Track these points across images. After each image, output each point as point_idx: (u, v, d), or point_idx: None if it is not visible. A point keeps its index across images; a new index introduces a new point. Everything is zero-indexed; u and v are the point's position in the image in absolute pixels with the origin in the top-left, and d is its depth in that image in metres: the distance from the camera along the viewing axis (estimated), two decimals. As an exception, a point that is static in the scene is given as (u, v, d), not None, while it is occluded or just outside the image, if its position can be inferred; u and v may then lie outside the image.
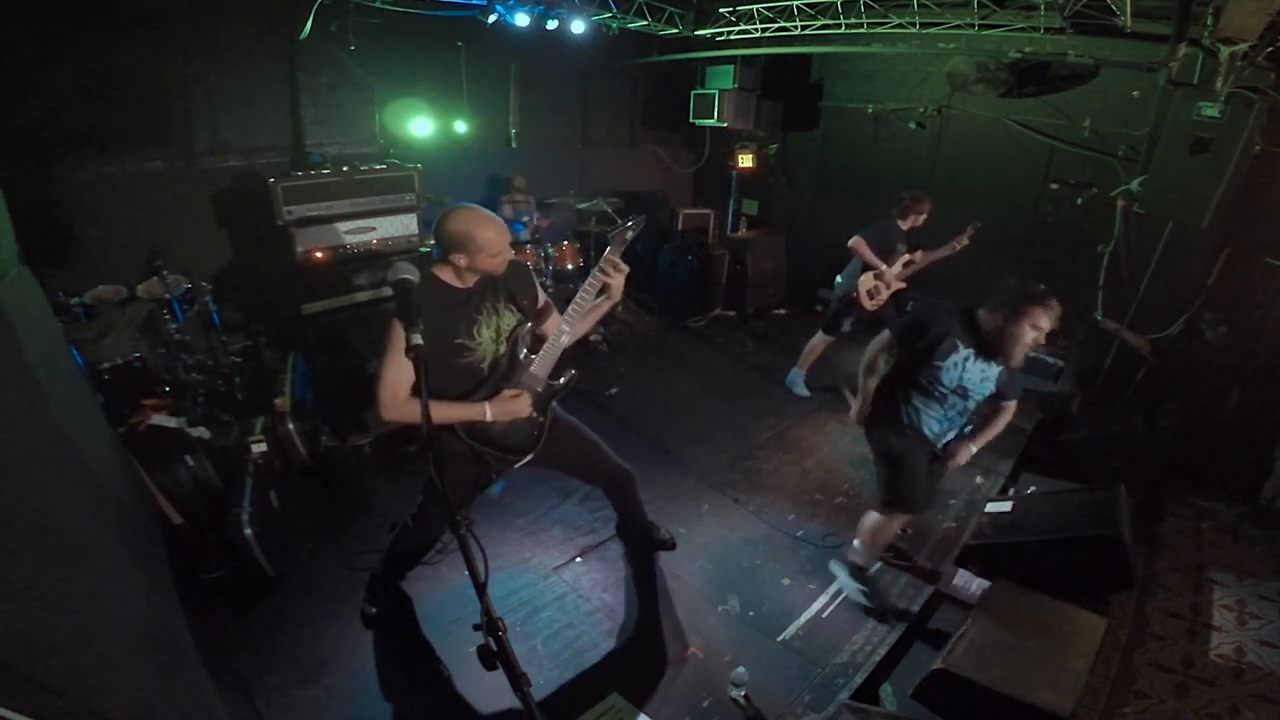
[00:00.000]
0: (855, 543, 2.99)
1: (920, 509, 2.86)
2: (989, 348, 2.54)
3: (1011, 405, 2.75)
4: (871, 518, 2.88)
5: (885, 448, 2.76)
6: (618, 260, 2.24)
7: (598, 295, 2.31)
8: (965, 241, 4.48)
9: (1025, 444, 4.12)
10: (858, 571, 2.98)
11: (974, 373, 2.58)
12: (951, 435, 2.76)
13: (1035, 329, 2.45)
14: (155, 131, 4.16)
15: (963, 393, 2.60)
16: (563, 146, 6.52)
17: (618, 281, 2.28)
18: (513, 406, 2.22)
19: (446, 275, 2.14)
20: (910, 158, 6.05)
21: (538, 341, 2.36)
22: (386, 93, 5.03)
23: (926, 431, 2.69)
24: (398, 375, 2.01)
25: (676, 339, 6.10)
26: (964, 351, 2.55)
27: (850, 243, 4.44)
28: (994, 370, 2.59)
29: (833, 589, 3.04)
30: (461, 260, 2.08)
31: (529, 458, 2.40)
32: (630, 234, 2.25)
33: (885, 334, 2.74)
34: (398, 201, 4.55)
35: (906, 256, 4.51)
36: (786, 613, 2.89)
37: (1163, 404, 4.49)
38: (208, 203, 4.47)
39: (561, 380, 2.38)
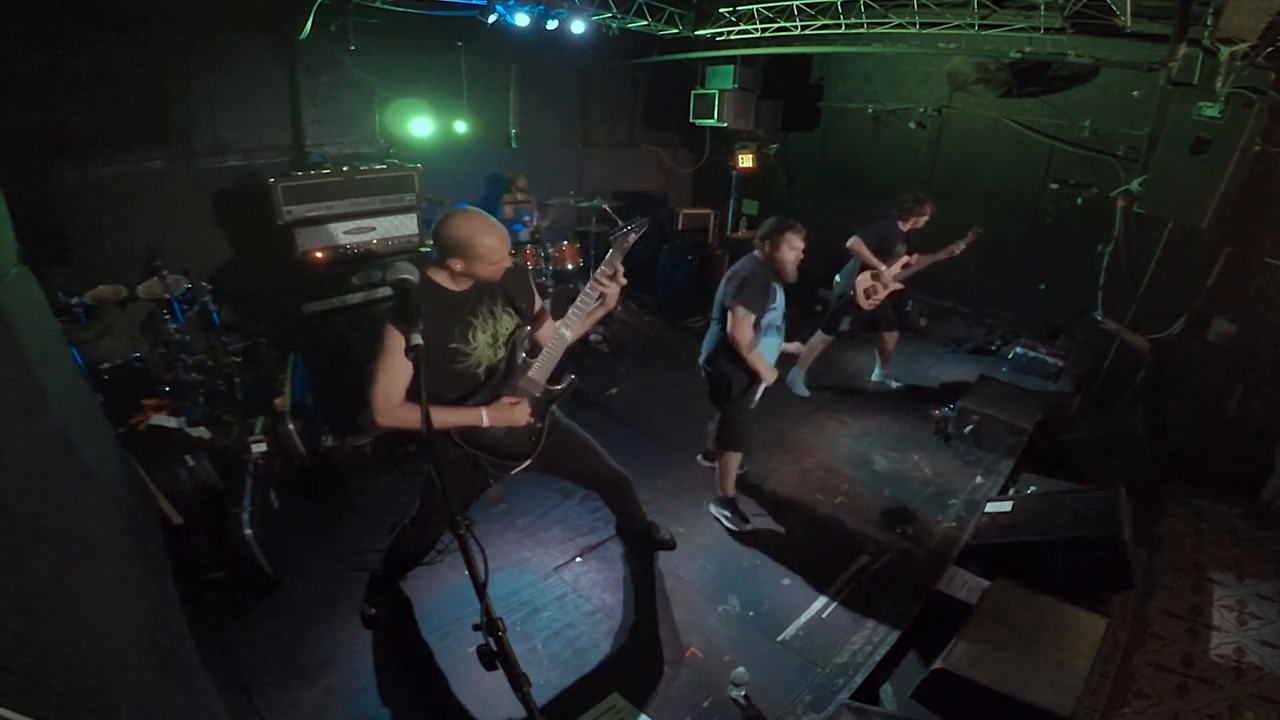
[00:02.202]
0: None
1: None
2: (778, 275, 3.06)
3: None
4: (727, 458, 3.38)
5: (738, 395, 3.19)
6: (617, 268, 2.23)
7: (596, 300, 2.29)
8: (962, 247, 4.48)
9: (1025, 444, 4.12)
10: (727, 502, 3.46)
11: (780, 300, 3.12)
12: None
13: (794, 250, 3.02)
14: (155, 131, 4.17)
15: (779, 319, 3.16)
16: (563, 147, 6.52)
17: (613, 290, 2.26)
18: (511, 414, 2.20)
19: (441, 278, 2.11)
20: (910, 158, 6.06)
21: (534, 347, 2.34)
22: (386, 93, 5.03)
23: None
24: (392, 379, 1.97)
25: (676, 339, 6.09)
26: (777, 288, 3.08)
27: (849, 243, 4.45)
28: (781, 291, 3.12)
29: (833, 589, 3.04)
30: (458, 265, 2.05)
31: (525, 464, 2.38)
32: (633, 237, 2.24)
33: (745, 312, 2.96)
34: (397, 201, 4.56)
35: (905, 259, 4.51)
36: (786, 613, 2.89)
37: (1163, 404, 4.49)
38: (208, 203, 4.47)
39: (560, 386, 2.37)
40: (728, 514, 3.42)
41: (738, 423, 3.25)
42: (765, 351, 3.09)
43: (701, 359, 3.29)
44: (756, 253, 3.09)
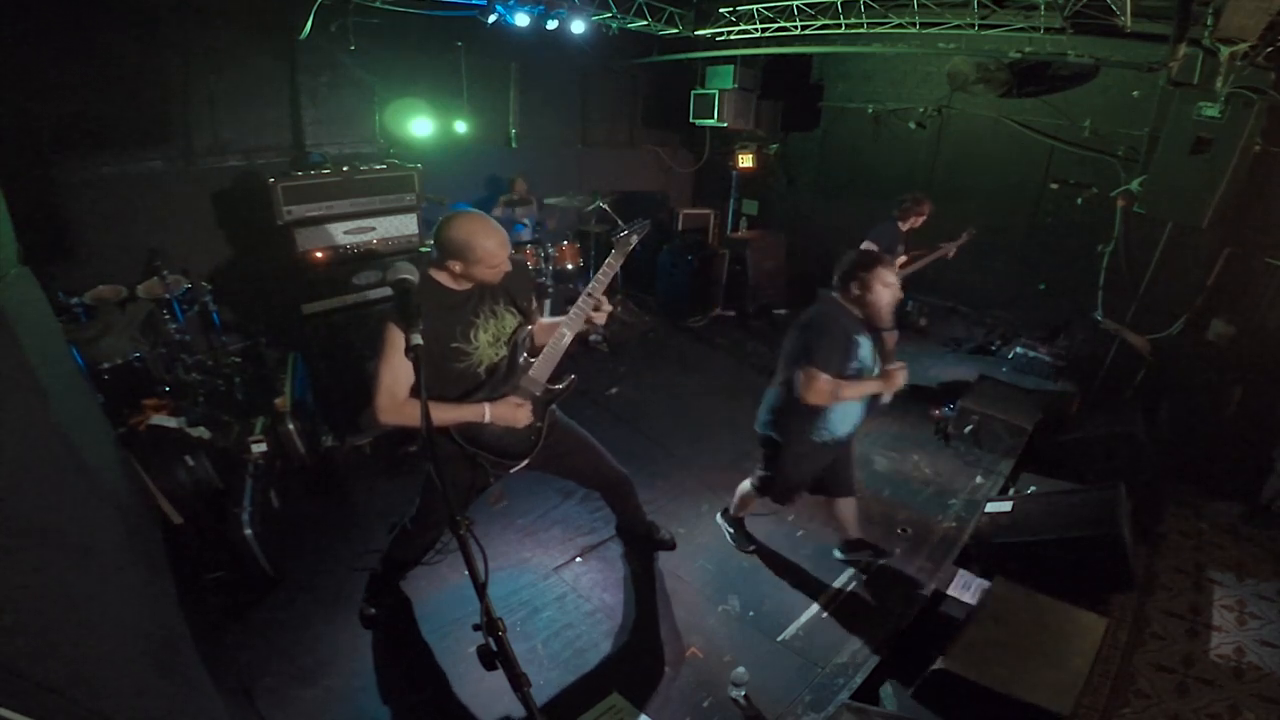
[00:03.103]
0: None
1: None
2: (868, 321, 2.53)
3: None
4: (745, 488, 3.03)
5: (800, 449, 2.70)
6: (602, 300, 2.28)
7: (584, 320, 2.34)
8: (954, 250, 4.49)
9: (1025, 444, 4.12)
10: (736, 523, 3.26)
11: (868, 352, 2.54)
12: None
13: (889, 287, 2.47)
14: (155, 131, 4.17)
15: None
16: (563, 146, 6.53)
17: (599, 319, 2.33)
18: (514, 414, 2.21)
19: (443, 278, 2.12)
20: (910, 158, 6.06)
21: (534, 346, 2.35)
22: (386, 93, 5.03)
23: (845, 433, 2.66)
24: (395, 378, 1.99)
25: (676, 339, 6.09)
26: (862, 339, 2.51)
27: (862, 247, 4.44)
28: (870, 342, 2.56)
29: (833, 589, 3.03)
30: (458, 267, 2.06)
31: (523, 463, 2.39)
32: (634, 239, 2.25)
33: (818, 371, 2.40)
34: (397, 201, 4.55)
35: (903, 258, 4.51)
36: (786, 613, 2.89)
37: (1163, 404, 4.49)
38: (208, 203, 4.48)
39: (560, 385, 2.37)
40: (733, 532, 3.28)
41: (791, 484, 2.83)
42: (843, 417, 2.59)
43: (759, 422, 2.80)
44: (836, 294, 2.53)
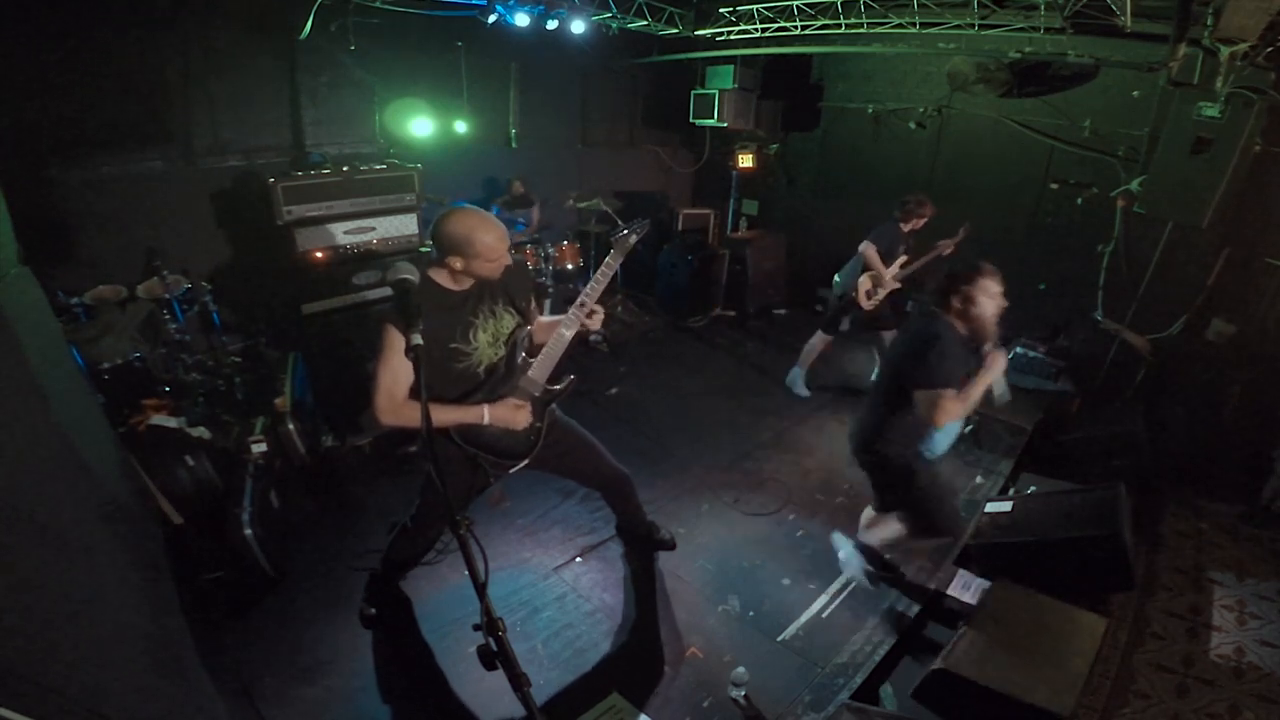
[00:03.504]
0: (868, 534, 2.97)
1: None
2: (973, 339, 2.46)
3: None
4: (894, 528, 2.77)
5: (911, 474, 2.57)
6: (596, 309, 2.28)
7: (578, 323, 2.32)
8: (952, 246, 4.49)
9: (1025, 444, 4.12)
10: (872, 554, 2.94)
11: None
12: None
13: (993, 299, 2.42)
14: (155, 131, 4.16)
15: None
16: (563, 147, 6.52)
17: (593, 324, 2.33)
18: (513, 416, 2.21)
19: (441, 278, 2.11)
20: (910, 158, 6.05)
21: (533, 346, 2.34)
22: (386, 93, 5.02)
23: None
24: (394, 379, 1.98)
25: (676, 339, 6.10)
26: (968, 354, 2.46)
27: (861, 248, 4.45)
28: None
29: (833, 589, 3.04)
30: (458, 264, 2.05)
31: (523, 463, 2.39)
32: (634, 239, 2.24)
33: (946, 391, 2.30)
34: (397, 202, 4.55)
35: (904, 258, 4.53)
36: (786, 613, 2.89)
37: (1163, 404, 4.49)
38: (208, 203, 4.47)
39: (560, 385, 2.37)
40: (865, 564, 2.92)
41: (938, 504, 2.60)
42: (944, 438, 2.60)
43: (856, 446, 2.66)
44: (939, 310, 2.45)
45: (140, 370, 3.36)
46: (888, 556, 3.06)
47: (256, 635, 2.66)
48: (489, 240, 2.02)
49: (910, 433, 2.51)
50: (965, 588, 3.03)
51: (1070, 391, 4.92)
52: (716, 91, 6.16)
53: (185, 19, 4.06)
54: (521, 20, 4.49)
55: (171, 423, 3.18)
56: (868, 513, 2.99)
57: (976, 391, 2.35)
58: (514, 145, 5.91)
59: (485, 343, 2.19)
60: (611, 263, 2.33)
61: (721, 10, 5.44)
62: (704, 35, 5.63)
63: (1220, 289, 4.37)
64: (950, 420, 2.29)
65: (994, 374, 2.39)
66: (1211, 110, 3.54)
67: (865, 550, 2.97)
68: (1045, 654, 2.46)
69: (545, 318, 2.44)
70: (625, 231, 2.33)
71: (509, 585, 2.95)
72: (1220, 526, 3.68)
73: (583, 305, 2.27)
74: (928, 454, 2.54)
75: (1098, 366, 4.99)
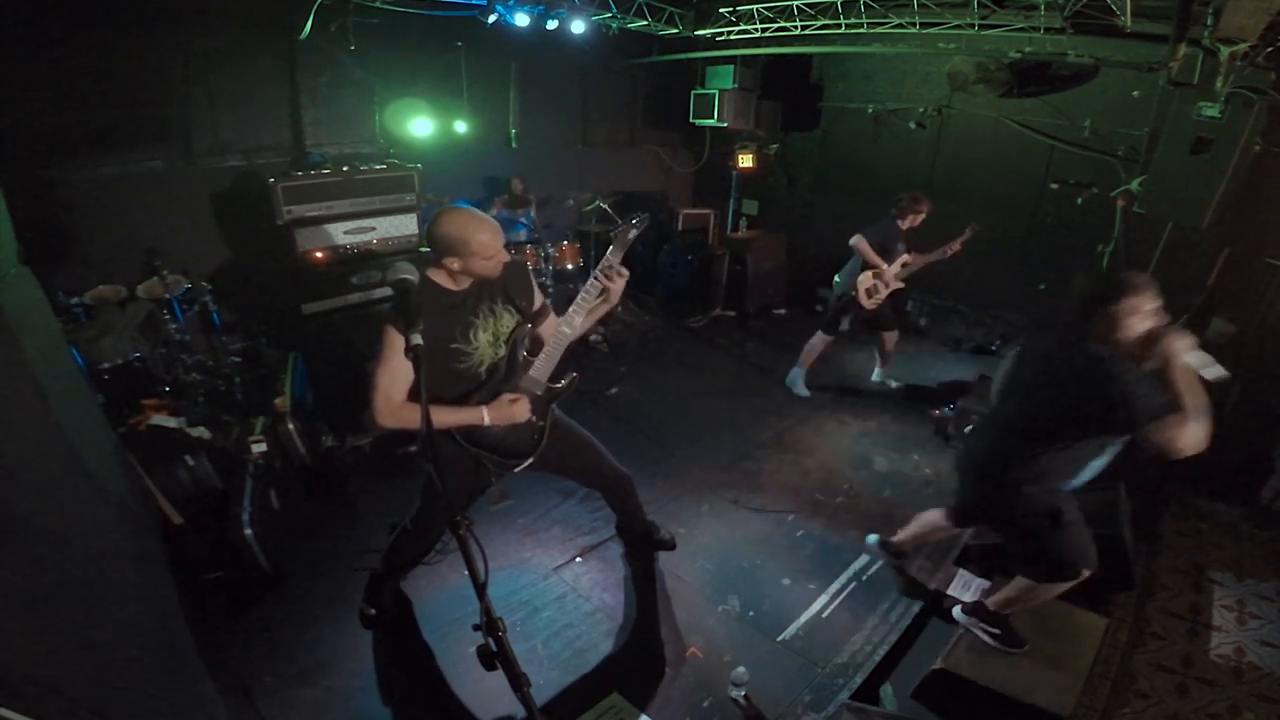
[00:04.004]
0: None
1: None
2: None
3: None
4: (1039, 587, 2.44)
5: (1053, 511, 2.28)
6: (618, 265, 2.19)
7: (598, 296, 2.27)
8: (958, 246, 4.49)
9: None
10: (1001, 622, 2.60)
11: None
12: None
13: (1149, 317, 2.08)
14: (155, 131, 4.16)
15: None
16: (563, 146, 6.52)
17: (617, 286, 2.23)
18: (511, 411, 2.19)
19: (440, 278, 2.11)
20: (910, 158, 6.06)
21: (535, 344, 2.33)
22: (386, 93, 5.02)
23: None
24: (393, 380, 1.98)
25: (676, 339, 6.10)
26: None
27: (852, 241, 4.46)
28: None
29: (833, 589, 3.04)
30: (455, 264, 2.04)
31: (527, 462, 2.38)
32: (633, 233, 2.23)
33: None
34: (397, 201, 4.55)
35: (905, 257, 4.52)
36: (786, 613, 2.89)
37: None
38: (208, 203, 4.47)
39: (561, 384, 2.36)
40: (997, 633, 2.55)
41: (1081, 540, 2.31)
42: (1092, 470, 2.27)
43: (980, 476, 2.42)
44: (1086, 336, 2.14)
45: (140, 370, 3.36)
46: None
47: (256, 635, 2.66)
48: (483, 238, 2.01)
49: (1058, 469, 2.22)
50: (965, 588, 3.03)
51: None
52: (716, 91, 6.16)
53: (186, 19, 4.06)
54: (521, 20, 4.50)
55: (171, 423, 3.18)
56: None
57: (1195, 396, 1.99)
58: (514, 145, 5.91)
59: (486, 342, 2.19)
60: (612, 258, 2.32)
61: (721, 10, 5.44)
62: (704, 35, 5.63)
63: (1220, 289, 4.37)
64: (1200, 438, 1.93)
65: (1189, 360, 2.04)
66: (1211, 110, 3.54)
67: (1000, 624, 2.58)
68: (1045, 654, 2.47)
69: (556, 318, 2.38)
70: (623, 226, 2.32)
71: (509, 585, 2.95)
72: (1220, 526, 3.68)
73: (605, 265, 2.17)
74: (1068, 487, 2.30)
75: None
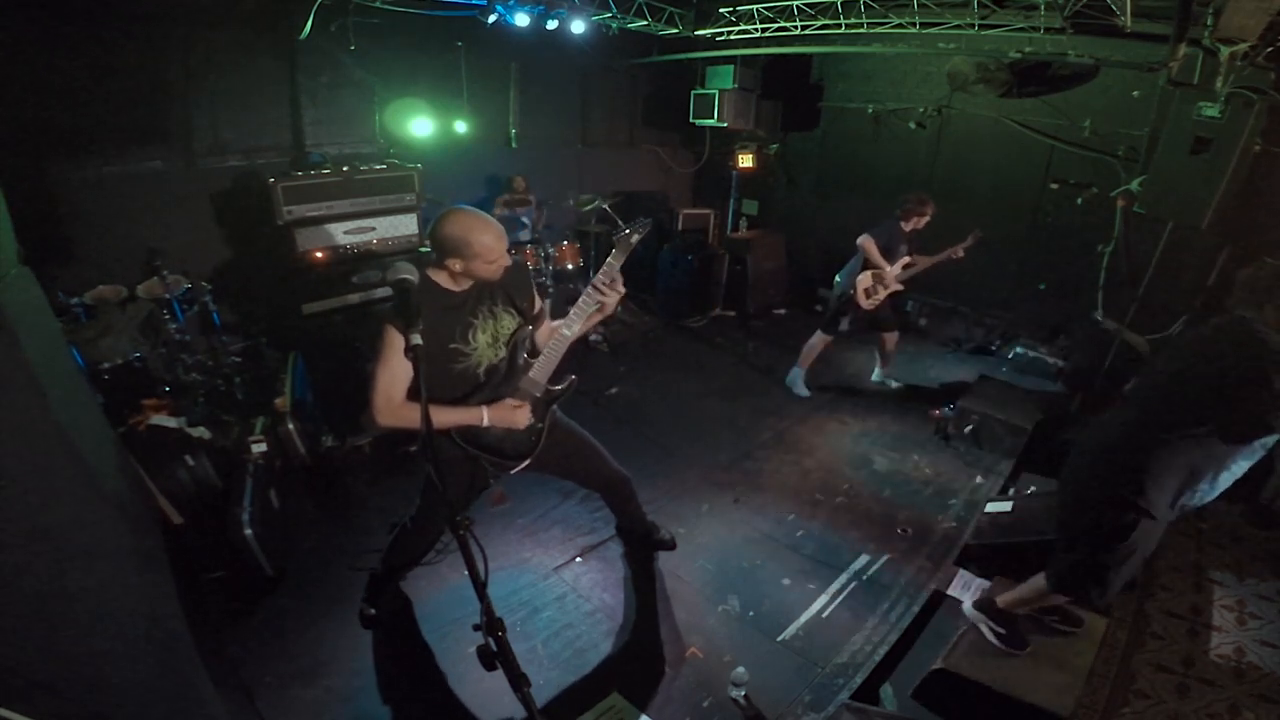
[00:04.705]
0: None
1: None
2: None
3: None
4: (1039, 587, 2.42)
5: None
6: (616, 277, 2.19)
7: (593, 308, 2.25)
8: (962, 252, 4.49)
9: (1025, 444, 4.12)
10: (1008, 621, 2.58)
11: None
12: None
13: None
14: (155, 131, 4.16)
15: None
16: (563, 146, 6.52)
17: (613, 300, 2.22)
18: (513, 416, 2.20)
19: (441, 279, 2.10)
20: (910, 158, 6.06)
21: (534, 347, 2.33)
22: (386, 93, 5.03)
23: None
24: (392, 379, 1.98)
25: (676, 339, 6.10)
26: None
27: (859, 240, 4.46)
28: None
29: (833, 589, 3.04)
30: (457, 265, 2.04)
31: (525, 463, 2.38)
32: (635, 238, 2.23)
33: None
34: (397, 202, 4.56)
35: (907, 259, 4.52)
36: (786, 613, 2.89)
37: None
38: (208, 203, 4.47)
39: (561, 386, 2.37)
40: (1003, 633, 2.54)
41: (1125, 570, 2.19)
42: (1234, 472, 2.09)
43: (1111, 484, 2.18)
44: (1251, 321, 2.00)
45: (140, 370, 3.36)
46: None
47: (256, 635, 2.66)
48: (486, 241, 2.01)
49: (1199, 466, 2.07)
50: (965, 588, 3.03)
51: (1070, 391, 4.92)
52: (716, 91, 6.16)
53: (186, 19, 4.06)
54: (521, 20, 4.50)
55: (171, 423, 3.18)
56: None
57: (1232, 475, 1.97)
58: (514, 145, 5.91)
59: (485, 343, 2.19)
60: (613, 262, 2.32)
61: (721, 10, 5.44)
62: (704, 35, 5.63)
63: (1220, 289, 4.37)
64: None
65: None
66: (1211, 110, 3.53)
67: (1007, 623, 2.56)
68: (1045, 654, 2.46)
69: (555, 322, 2.38)
70: (627, 231, 2.32)
71: (509, 585, 2.95)
72: (1220, 526, 3.68)
73: (603, 277, 2.15)
74: (1196, 501, 2.15)
75: (1097, 366, 4.98)
